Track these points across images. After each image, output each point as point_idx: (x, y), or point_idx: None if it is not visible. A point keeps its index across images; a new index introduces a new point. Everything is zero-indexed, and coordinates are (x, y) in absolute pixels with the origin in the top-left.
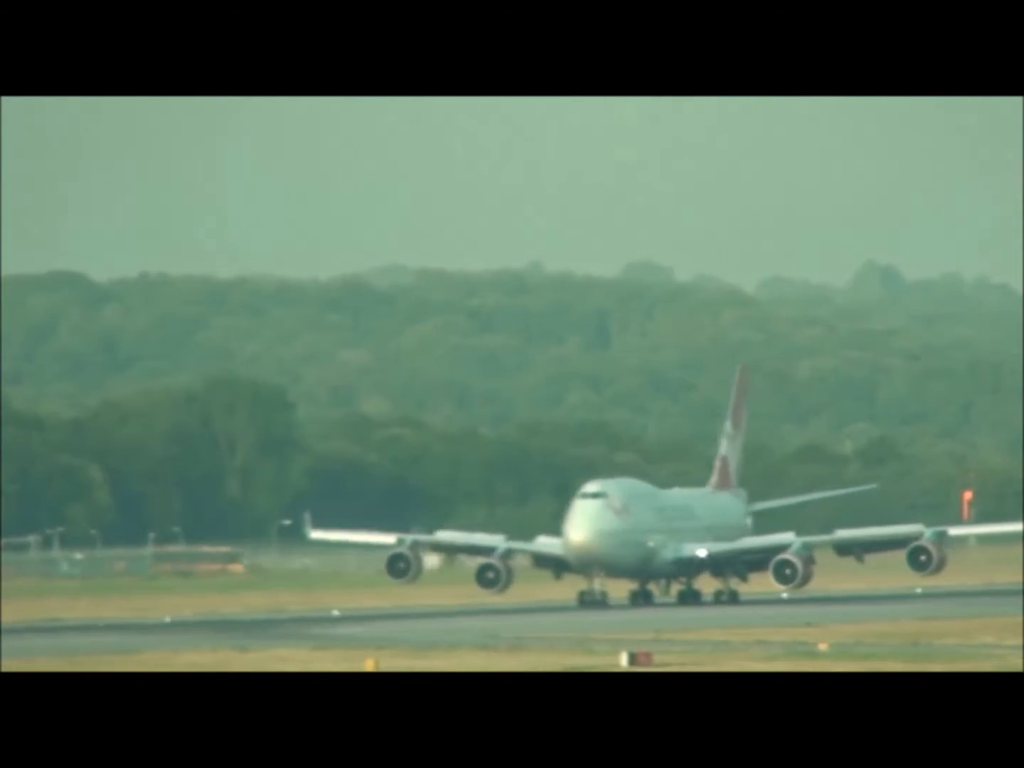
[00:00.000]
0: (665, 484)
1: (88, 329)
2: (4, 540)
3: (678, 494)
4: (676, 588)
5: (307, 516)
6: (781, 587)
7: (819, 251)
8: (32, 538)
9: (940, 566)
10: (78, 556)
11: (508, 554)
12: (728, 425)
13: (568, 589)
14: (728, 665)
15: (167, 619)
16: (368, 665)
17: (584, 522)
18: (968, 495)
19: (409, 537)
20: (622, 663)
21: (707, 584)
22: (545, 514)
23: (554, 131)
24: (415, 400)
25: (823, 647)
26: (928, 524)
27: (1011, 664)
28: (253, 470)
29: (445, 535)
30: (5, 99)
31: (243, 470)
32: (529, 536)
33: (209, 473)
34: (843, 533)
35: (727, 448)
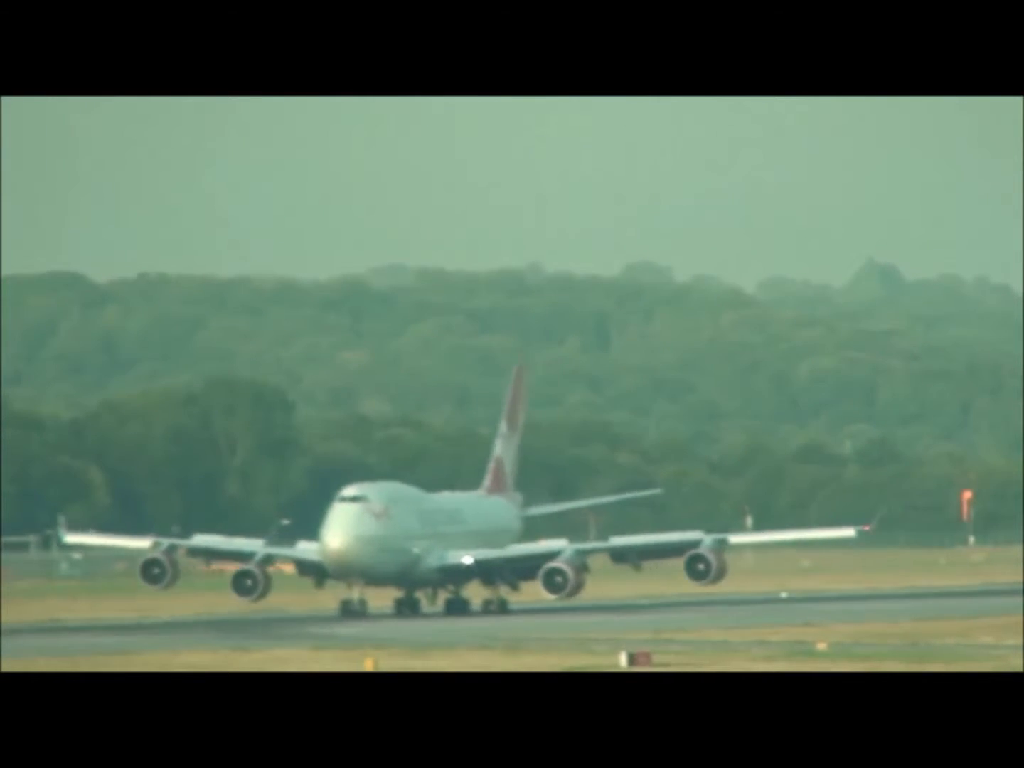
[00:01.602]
0: (665, 485)
1: (88, 330)
2: (4, 540)
3: (446, 498)
4: (444, 597)
5: (62, 520)
6: (551, 596)
7: (819, 251)
8: (32, 538)
9: (719, 575)
10: (77, 556)
11: (267, 560)
12: (503, 426)
13: (331, 597)
14: (727, 665)
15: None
16: (367, 665)
17: (341, 527)
18: (968, 495)
19: (165, 541)
20: (621, 663)
21: (478, 593)
22: (545, 515)
23: (554, 131)
24: (415, 401)
25: (822, 647)
26: (933, 528)
27: (1011, 664)
28: (253, 471)
29: (202, 539)
30: (5, 99)
31: (243, 471)
32: (531, 538)
33: (209, 474)
34: (618, 540)
35: (502, 449)
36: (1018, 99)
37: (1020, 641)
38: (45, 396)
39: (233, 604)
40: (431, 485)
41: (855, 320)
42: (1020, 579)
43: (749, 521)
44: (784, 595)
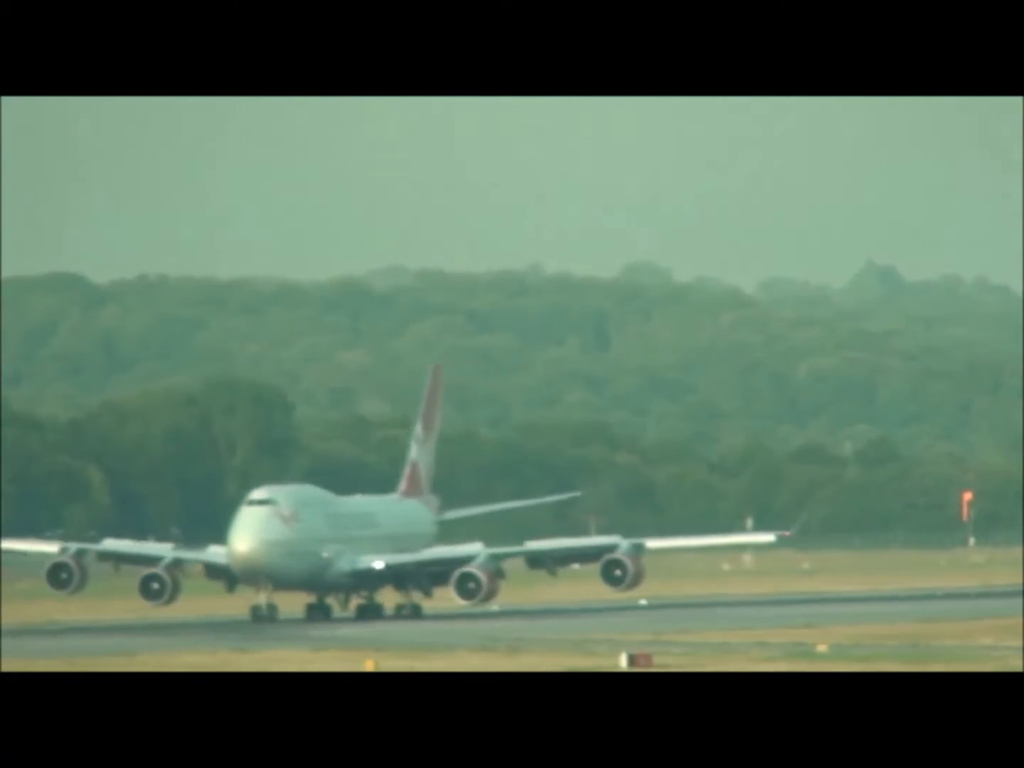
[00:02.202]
0: (664, 485)
1: (87, 330)
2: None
3: (358, 501)
4: (356, 602)
5: None
6: (463, 602)
7: (818, 252)
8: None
9: (636, 580)
10: None
11: (176, 564)
12: (418, 428)
13: (242, 601)
14: (728, 666)
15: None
16: (368, 666)
17: (248, 531)
18: (968, 496)
19: (73, 545)
20: (622, 664)
21: (391, 598)
22: (544, 516)
23: (554, 131)
24: (414, 401)
25: (822, 648)
26: (932, 528)
27: (1011, 665)
28: (252, 471)
29: (111, 543)
30: (5, 99)
31: (242, 471)
32: (523, 539)
33: (208, 474)
34: (534, 544)
35: (417, 452)
36: (1018, 99)
37: (1020, 643)
38: (44, 396)
39: (140, 609)
40: (435, 486)
41: (855, 320)
42: (1020, 580)
43: (749, 522)
44: (643, 602)
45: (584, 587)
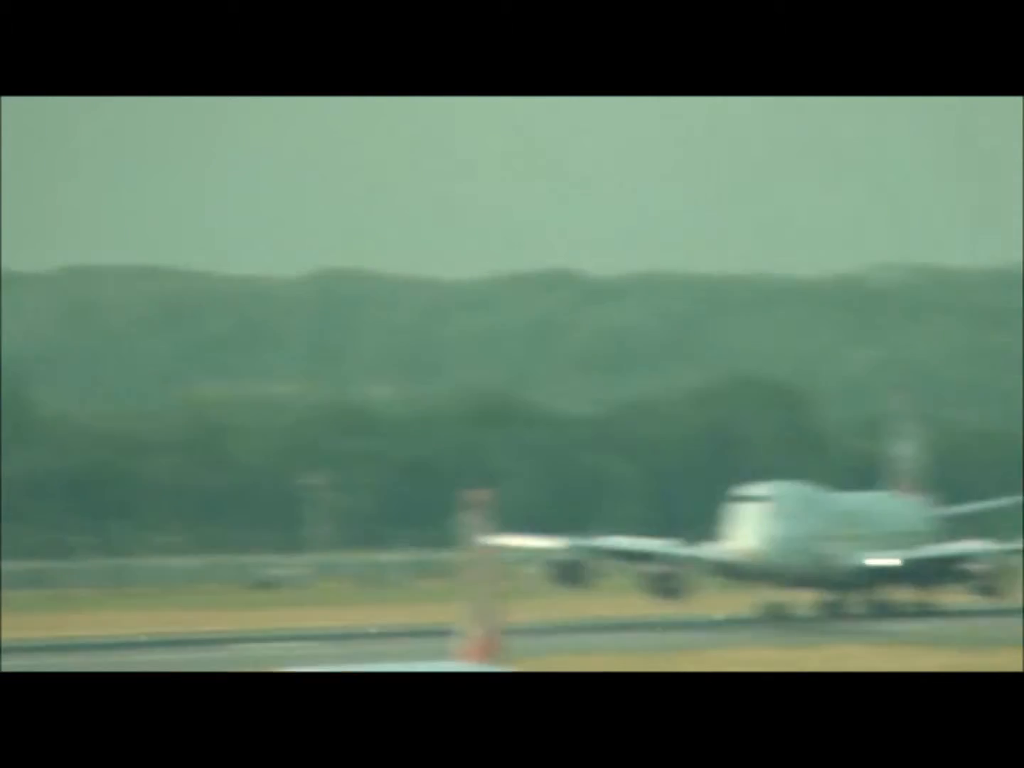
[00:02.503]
0: None
1: (589, 327)
2: None
3: (853, 498)
4: (867, 599)
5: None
6: (976, 599)
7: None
8: None
9: None
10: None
11: (682, 561)
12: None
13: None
14: None
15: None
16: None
17: (754, 528)
18: None
19: (579, 543)
20: None
21: (896, 596)
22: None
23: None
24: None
25: None
26: None
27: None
28: (776, 468)
29: (615, 541)
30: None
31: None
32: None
33: (733, 470)
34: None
35: (909, 448)
36: None
37: None
38: (561, 394)
39: (647, 606)
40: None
41: None
42: None
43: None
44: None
45: None
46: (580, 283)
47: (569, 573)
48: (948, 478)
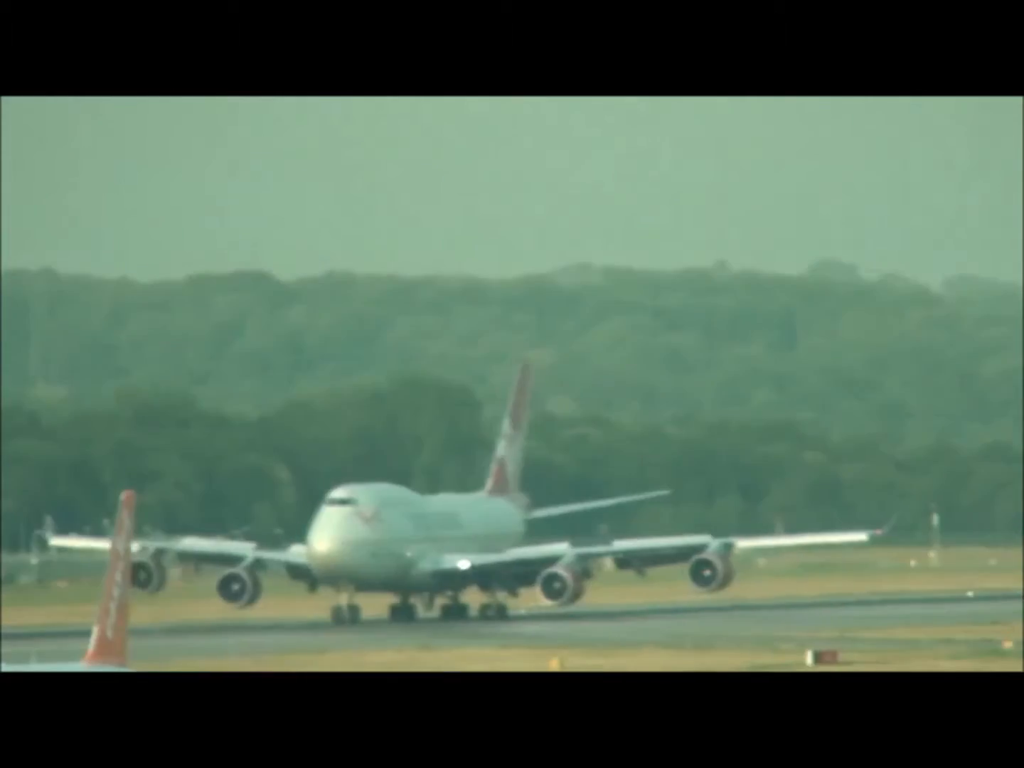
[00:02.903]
0: (851, 483)
1: (274, 328)
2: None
3: (443, 500)
4: (441, 602)
5: (49, 520)
6: (549, 602)
7: (1007, 248)
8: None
9: (726, 581)
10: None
11: (257, 564)
12: (506, 425)
13: (323, 602)
14: (914, 664)
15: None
16: (553, 665)
17: (329, 531)
18: None
19: (152, 545)
20: (807, 662)
21: (476, 599)
22: (732, 513)
23: (742, 127)
24: (601, 399)
25: (1008, 645)
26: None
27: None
28: (439, 470)
29: (190, 542)
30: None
31: (430, 470)
32: (713, 535)
33: (395, 473)
34: (622, 544)
35: (505, 450)
36: None
37: None
38: (232, 395)
39: (220, 610)
40: (617, 484)
41: None
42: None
43: (935, 520)
44: (970, 594)
45: (672, 588)
46: (268, 285)
47: (138, 576)
48: (594, 477)
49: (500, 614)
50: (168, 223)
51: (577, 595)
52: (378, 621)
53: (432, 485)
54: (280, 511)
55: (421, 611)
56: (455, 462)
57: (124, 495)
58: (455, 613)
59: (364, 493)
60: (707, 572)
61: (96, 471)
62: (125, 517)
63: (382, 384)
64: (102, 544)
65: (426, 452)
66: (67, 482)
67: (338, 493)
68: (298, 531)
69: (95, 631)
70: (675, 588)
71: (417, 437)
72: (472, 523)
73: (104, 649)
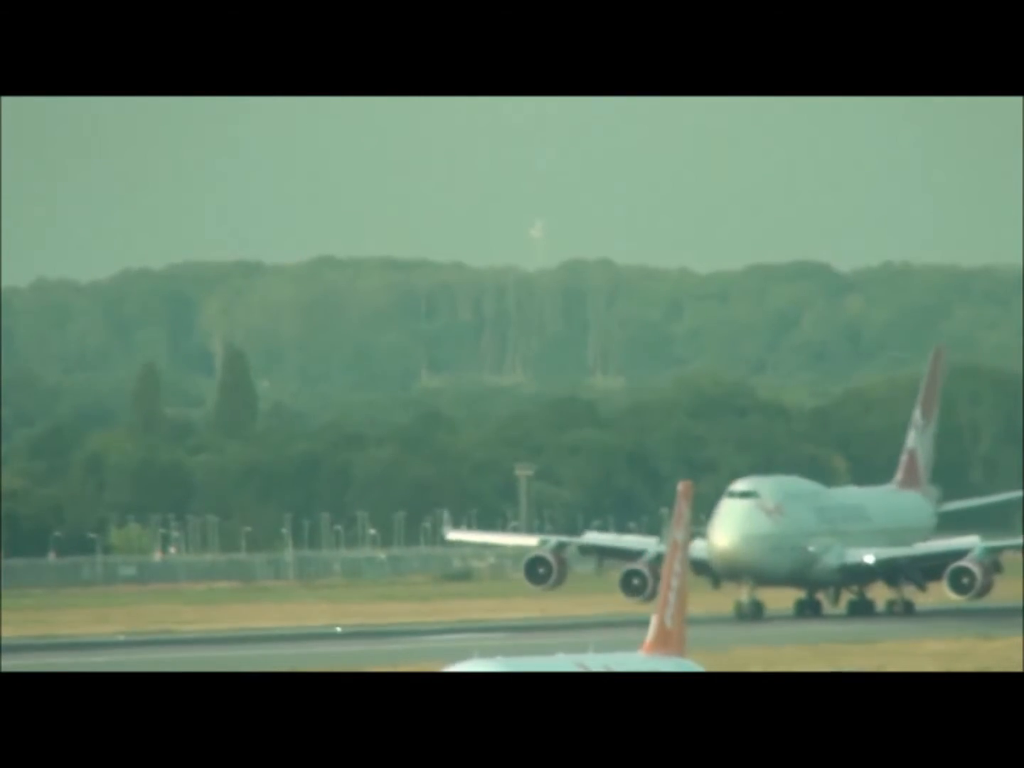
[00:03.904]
0: None
1: (832, 319)
2: None
3: (848, 493)
4: (847, 598)
5: (445, 515)
6: (956, 597)
7: None
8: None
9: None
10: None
11: (659, 559)
12: (917, 414)
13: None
14: None
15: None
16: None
17: (729, 525)
18: None
19: (553, 539)
20: None
21: (882, 594)
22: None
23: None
24: None
25: None
26: None
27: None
28: (998, 460)
29: (592, 537)
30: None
31: (988, 460)
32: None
33: (953, 463)
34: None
35: (915, 440)
36: None
37: None
38: (789, 385)
39: (621, 605)
40: None
41: None
42: None
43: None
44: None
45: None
46: (827, 275)
47: (537, 571)
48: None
49: (907, 610)
50: (731, 213)
51: (986, 590)
52: (783, 617)
53: (992, 476)
54: None
55: (827, 607)
56: (1013, 452)
57: (681, 485)
58: (861, 609)
59: (767, 485)
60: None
61: (653, 461)
62: (683, 507)
63: None
64: (500, 539)
65: (984, 442)
66: (625, 472)
67: (740, 486)
68: None
69: (653, 620)
70: None
71: (975, 427)
72: (879, 516)
73: (663, 638)
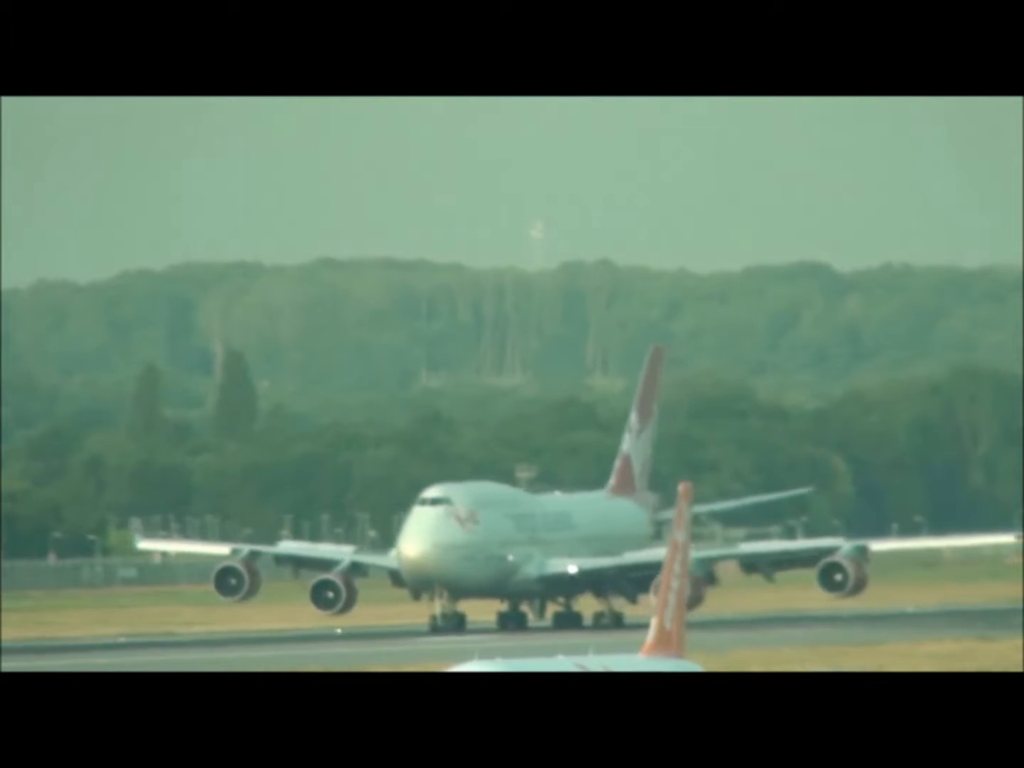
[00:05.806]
0: None
1: (831, 319)
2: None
3: (552, 500)
4: (553, 610)
5: (137, 523)
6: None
7: None
8: (774, 528)
9: (858, 586)
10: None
11: (354, 568)
12: (632, 417)
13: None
14: None
15: (910, 608)
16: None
17: (419, 533)
18: None
19: (245, 548)
20: None
21: (590, 606)
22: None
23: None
24: None
25: None
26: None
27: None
28: (997, 461)
29: (287, 546)
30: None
31: (987, 461)
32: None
33: (951, 464)
34: (747, 547)
35: (630, 445)
36: None
37: None
38: (789, 386)
39: (312, 618)
40: None
41: None
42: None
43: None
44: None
45: (802, 593)
46: (825, 275)
47: (228, 582)
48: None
49: (616, 622)
50: (730, 213)
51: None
52: (486, 629)
53: (992, 477)
54: (837, 502)
55: (532, 619)
56: (1011, 453)
57: (681, 486)
58: (568, 621)
59: (460, 492)
60: (838, 576)
61: (655, 462)
62: (683, 509)
63: (939, 374)
64: (193, 547)
65: (983, 443)
66: None
67: (431, 492)
68: (856, 521)
69: (653, 622)
70: (804, 593)
71: (975, 428)
72: (585, 524)
73: (662, 640)
